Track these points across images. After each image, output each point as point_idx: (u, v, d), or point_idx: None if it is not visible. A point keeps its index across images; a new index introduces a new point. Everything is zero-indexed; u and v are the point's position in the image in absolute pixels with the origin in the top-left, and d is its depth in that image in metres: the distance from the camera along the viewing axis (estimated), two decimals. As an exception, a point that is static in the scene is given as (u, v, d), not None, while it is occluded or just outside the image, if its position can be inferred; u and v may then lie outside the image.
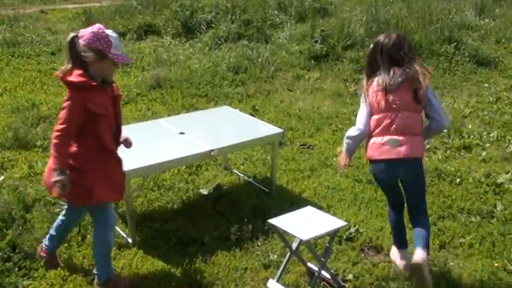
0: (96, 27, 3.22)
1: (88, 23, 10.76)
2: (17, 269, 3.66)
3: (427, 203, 3.65)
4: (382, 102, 3.42)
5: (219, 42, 9.49)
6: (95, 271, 3.52)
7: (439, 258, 3.85)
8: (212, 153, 4.19)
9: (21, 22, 11.07)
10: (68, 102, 3.22)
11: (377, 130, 3.47)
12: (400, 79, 3.38)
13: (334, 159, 5.39)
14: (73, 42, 3.17)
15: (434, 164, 5.23)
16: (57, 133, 3.18)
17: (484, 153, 5.59)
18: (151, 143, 4.35)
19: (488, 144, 5.84)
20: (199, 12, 10.64)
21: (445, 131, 6.14)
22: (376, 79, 3.48)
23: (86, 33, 3.18)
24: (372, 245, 4.04)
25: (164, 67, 8.28)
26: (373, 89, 3.49)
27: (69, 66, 3.20)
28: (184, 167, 5.08)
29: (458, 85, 7.95)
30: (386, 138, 3.42)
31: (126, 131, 4.66)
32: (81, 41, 3.16)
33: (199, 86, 7.55)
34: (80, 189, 3.23)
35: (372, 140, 3.51)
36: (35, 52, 9.08)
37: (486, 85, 7.98)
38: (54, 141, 3.18)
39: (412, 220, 3.57)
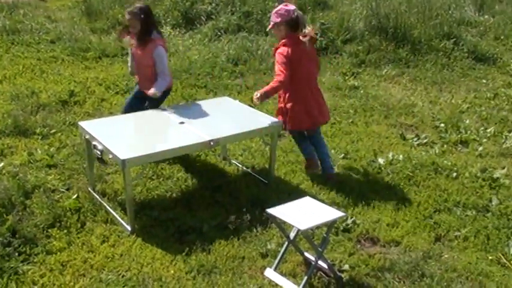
0: None
1: (87, 12, 10.75)
2: (17, 254, 3.70)
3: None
4: None
5: (219, 33, 9.49)
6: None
7: (434, 250, 3.91)
8: (211, 143, 4.23)
9: (21, 10, 11.03)
10: None
11: None
12: None
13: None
14: None
15: (431, 158, 5.27)
16: None
17: (480, 148, 5.63)
18: (151, 132, 4.39)
19: (485, 140, 5.88)
20: (199, 3, 10.61)
21: (443, 125, 6.21)
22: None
23: None
24: (369, 236, 4.08)
25: (164, 57, 8.27)
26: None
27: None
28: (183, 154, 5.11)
29: (457, 81, 7.99)
30: None
31: (127, 120, 4.72)
32: None
33: (199, 77, 7.57)
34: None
35: None
36: (35, 40, 9.06)
37: (484, 81, 8.02)
38: None
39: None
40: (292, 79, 4.62)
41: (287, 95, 4.77)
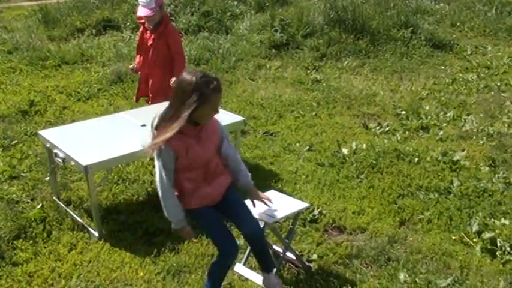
0: None
1: (44, 20, 10.59)
2: (-18, 268, 3.64)
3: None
4: None
5: (180, 34, 9.45)
6: None
7: (399, 234, 3.99)
8: (175, 144, 4.22)
9: (-25, 21, 10.83)
10: None
11: None
12: None
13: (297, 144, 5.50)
14: None
15: (393, 145, 5.37)
16: None
17: (441, 133, 5.75)
18: (114, 136, 4.36)
19: (445, 124, 6.01)
20: (158, 5, 10.57)
21: (404, 112, 6.32)
22: None
23: None
24: (335, 226, 4.15)
25: (125, 61, 8.21)
26: None
27: None
28: (148, 159, 5.08)
29: (416, 68, 8.13)
30: None
31: (88, 126, 4.68)
32: None
33: (161, 79, 7.54)
34: None
35: None
36: (-9, 51, 8.91)
37: (442, 67, 8.18)
38: None
39: None
40: None
41: None
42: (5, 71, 8.00)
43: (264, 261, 3.39)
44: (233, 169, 3.24)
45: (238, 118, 4.70)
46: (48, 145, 4.29)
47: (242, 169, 3.27)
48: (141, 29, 5.30)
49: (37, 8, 11.27)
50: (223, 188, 3.20)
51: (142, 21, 5.17)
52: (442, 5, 11.34)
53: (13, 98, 6.87)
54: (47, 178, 4.54)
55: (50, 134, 4.35)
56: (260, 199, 3.33)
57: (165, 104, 4.93)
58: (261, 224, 3.57)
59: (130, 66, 5.47)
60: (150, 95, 5.27)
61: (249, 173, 3.30)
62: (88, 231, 4.09)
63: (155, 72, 5.17)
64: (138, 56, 5.36)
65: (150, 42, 5.13)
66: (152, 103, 5.20)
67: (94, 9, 10.83)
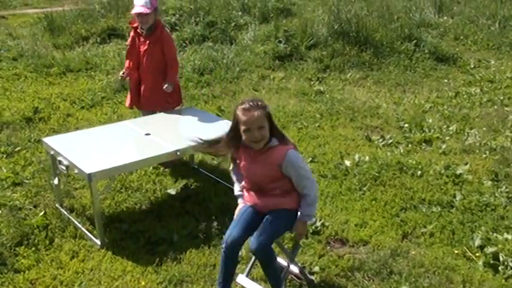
0: None
1: (50, 28, 10.65)
2: (-16, 274, 3.64)
3: None
4: None
5: (184, 44, 9.50)
6: None
7: (402, 247, 3.98)
8: (178, 153, 4.24)
9: (-19, 28, 10.89)
10: None
11: None
12: None
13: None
14: None
15: (396, 158, 5.37)
16: None
17: (444, 146, 5.76)
18: (117, 145, 4.37)
19: (447, 138, 6.02)
20: (163, 14, 10.62)
21: (407, 125, 6.33)
22: None
23: None
24: (338, 238, 4.14)
25: (129, 70, 8.25)
26: None
27: None
28: (151, 168, 5.10)
29: (419, 81, 8.15)
30: None
31: (92, 134, 4.70)
32: None
33: (165, 88, 7.56)
34: None
35: None
36: (-4, 58, 8.95)
37: (445, 81, 8.21)
38: None
39: None
40: None
41: None
42: (10, 77, 8.04)
43: (270, 281, 3.43)
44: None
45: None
46: (52, 152, 4.30)
47: (304, 203, 3.31)
48: (132, 33, 5.23)
49: (42, 15, 11.33)
50: (274, 208, 3.31)
51: (135, 25, 5.14)
52: (445, 18, 11.38)
53: (17, 104, 6.90)
54: (55, 181, 4.48)
55: (54, 142, 4.37)
56: (297, 237, 3.49)
57: (170, 114, 5.03)
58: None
59: (120, 73, 5.41)
60: (141, 101, 5.24)
61: (311, 211, 3.34)
62: (90, 239, 4.09)
63: (147, 78, 5.14)
64: (128, 61, 5.27)
65: (144, 48, 5.08)
66: (143, 109, 5.27)
67: (99, 18, 10.89)
